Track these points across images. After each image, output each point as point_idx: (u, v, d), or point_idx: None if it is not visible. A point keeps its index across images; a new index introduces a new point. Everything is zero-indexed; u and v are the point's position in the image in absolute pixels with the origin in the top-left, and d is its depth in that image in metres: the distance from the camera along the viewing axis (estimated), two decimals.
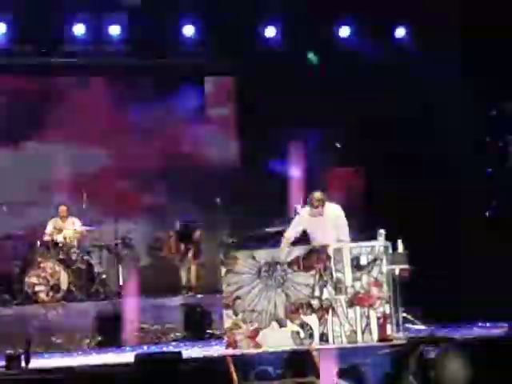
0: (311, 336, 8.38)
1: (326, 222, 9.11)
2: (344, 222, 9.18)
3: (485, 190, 12.17)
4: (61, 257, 11.45)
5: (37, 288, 11.08)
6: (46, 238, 11.73)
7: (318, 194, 9.11)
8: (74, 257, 11.65)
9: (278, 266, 8.52)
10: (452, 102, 12.08)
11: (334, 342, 8.33)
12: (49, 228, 11.92)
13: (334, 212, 9.17)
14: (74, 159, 12.98)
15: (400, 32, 12.83)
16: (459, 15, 11.90)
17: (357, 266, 8.39)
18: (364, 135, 12.34)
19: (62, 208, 12.03)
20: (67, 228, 11.89)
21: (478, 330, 9.69)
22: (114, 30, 12.35)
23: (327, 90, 12.40)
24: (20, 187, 12.61)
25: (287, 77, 12.46)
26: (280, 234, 9.72)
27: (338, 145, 11.42)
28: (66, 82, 13.34)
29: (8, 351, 8.77)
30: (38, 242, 11.56)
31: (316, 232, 9.12)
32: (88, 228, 11.96)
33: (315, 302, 8.43)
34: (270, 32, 12.71)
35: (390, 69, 12.26)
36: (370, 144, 12.23)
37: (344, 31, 12.74)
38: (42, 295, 11.06)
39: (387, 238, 8.69)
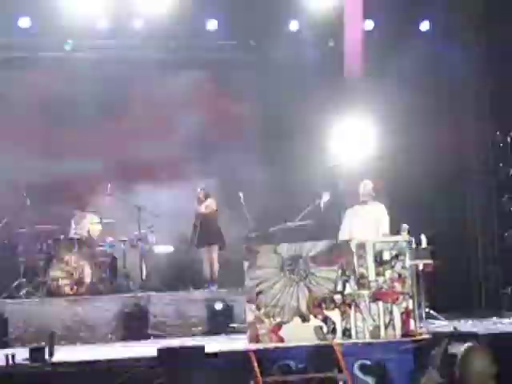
0: (334, 331, 8.36)
1: (368, 218, 9.21)
2: (386, 223, 9.28)
3: None
4: (84, 251, 11.51)
5: (61, 282, 11.14)
6: (71, 232, 11.82)
7: (368, 183, 9.32)
8: (97, 251, 11.71)
9: (301, 261, 8.51)
10: None
11: (356, 337, 8.31)
12: (73, 222, 12.00)
13: (378, 211, 9.31)
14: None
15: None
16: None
17: (380, 261, 8.36)
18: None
19: (91, 206, 12.13)
20: (90, 223, 11.96)
21: (503, 326, 9.63)
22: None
23: None
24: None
25: None
26: (302, 228, 9.74)
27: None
28: None
29: (32, 344, 8.84)
30: (62, 236, 11.63)
31: (356, 224, 9.20)
32: (109, 221, 12.02)
33: (338, 297, 8.41)
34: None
35: None
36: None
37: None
38: (66, 289, 11.12)
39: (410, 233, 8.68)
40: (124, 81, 13.14)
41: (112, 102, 13.13)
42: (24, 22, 12.08)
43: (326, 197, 9.82)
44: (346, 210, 9.79)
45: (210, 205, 12.16)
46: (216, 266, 12.06)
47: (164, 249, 12.58)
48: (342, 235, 9.48)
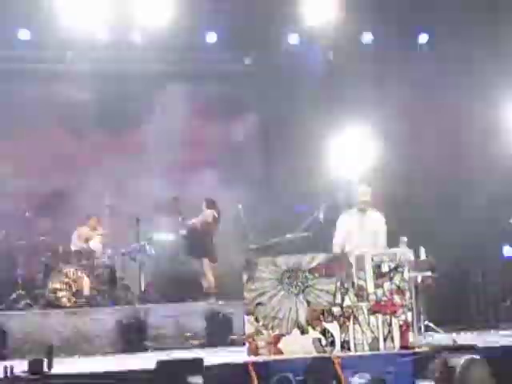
0: (333, 343, 8.35)
1: (367, 228, 9.20)
2: (384, 235, 9.28)
3: None
4: (83, 262, 11.50)
5: (59, 293, 11.14)
6: (71, 245, 11.83)
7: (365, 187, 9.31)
8: (96, 262, 11.71)
9: (300, 273, 8.51)
10: None
11: (355, 349, 8.30)
12: (74, 235, 12.01)
13: (376, 223, 9.30)
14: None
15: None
16: None
17: (379, 273, 8.36)
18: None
19: (93, 219, 12.13)
20: (94, 238, 11.98)
21: (501, 338, 9.63)
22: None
23: None
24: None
25: None
26: (301, 240, 9.75)
27: None
28: None
29: (31, 356, 8.82)
30: (61, 248, 11.63)
31: (354, 233, 9.18)
32: (107, 233, 12.04)
33: (337, 310, 8.40)
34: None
35: None
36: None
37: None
38: (65, 300, 11.11)
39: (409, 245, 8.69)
40: (125, 93, 13.20)
41: (113, 114, 13.21)
42: (24, 34, 12.11)
43: (324, 209, 9.83)
44: (342, 215, 9.74)
45: (206, 218, 12.15)
46: (211, 279, 12.06)
47: (164, 236, 12.62)
48: (337, 239, 9.47)
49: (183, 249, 12.33)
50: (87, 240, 11.94)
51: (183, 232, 12.26)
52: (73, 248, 11.80)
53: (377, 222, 9.45)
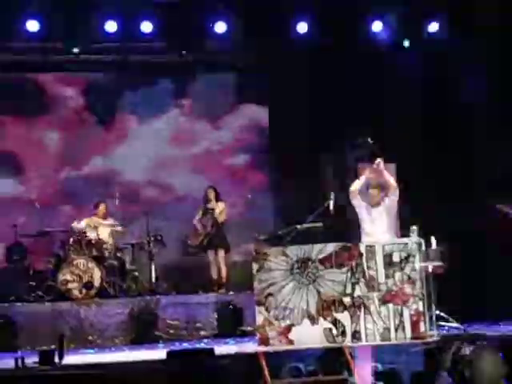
0: (343, 333, 8.32)
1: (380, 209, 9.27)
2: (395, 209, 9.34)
3: None
4: (94, 254, 11.51)
5: (70, 285, 11.15)
6: (80, 234, 11.78)
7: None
8: (106, 254, 11.72)
9: (310, 263, 8.48)
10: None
11: (366, 339, 8.27)
12: (83, 225, 11.96)
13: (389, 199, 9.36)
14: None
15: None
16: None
17: (389, 263, 8.32)
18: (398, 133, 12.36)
19: (102, 206, 12.10)
20: (105, 226, 11.95)
21: None
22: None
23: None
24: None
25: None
26: (310, 230, 9.72)
27: (370, 140, 11.36)
28: None
29: (42, 347, 8.85)
30: (71, 239, 11.62)
31: (369, 216, 9.22)
32: (120, 227, 12.02)
33: (347, 300, 8.37)
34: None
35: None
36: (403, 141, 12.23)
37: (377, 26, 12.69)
38: (75, 292, 11.13)
39: (420, 234, 8.64)
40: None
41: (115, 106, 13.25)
42: (32, 26, 12.08)
43: (334, 198, 9.79)
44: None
45: (222, 210, 12.04)
46: (224, 270, 12.02)
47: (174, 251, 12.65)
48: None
49: (199, 239, 12.19)
50: (96, 228, 11.87)
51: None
52: (81, 238, 11.68)
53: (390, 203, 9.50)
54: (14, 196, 12.81)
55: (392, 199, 9.48)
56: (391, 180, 9.58)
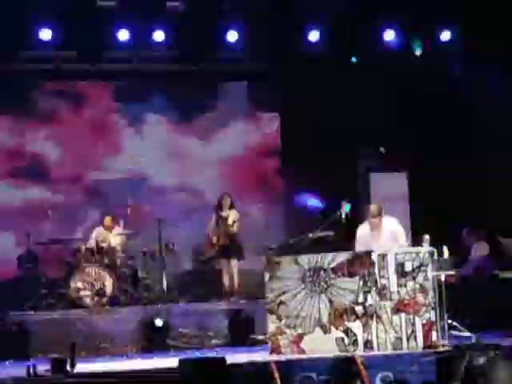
0: (355, 342, 8.31)
1: (383, 234, 9.12)
2: (402, 234, 9.18)
3: None
4: (105, 262, 11.52)
5: (82, 293, 11.16)
6: (91, 243, 11.82)
7: (374, 207, 9.21)
8: (118, 262, 11.73)
9: (322, 272, 8.48)
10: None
11: (378, 348, 8.25)
12: (94, 234, 12.02)
13: (391, 225, 9.19)
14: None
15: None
16: None
17: (402, 272, 8.30)
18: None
19: (107, 219, 12.13)
20: (111, 238, 11.98)
21: None
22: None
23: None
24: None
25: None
26: (322, 239, 9.67)
27: (383, 149, 11.36)
28: None
29: (53, 355, 8.85)
30: (83, 247, 11.65)
31: (374, 246, 9.04)
32: (130, 232, 12.03)
33: (359, 309, 8.36)
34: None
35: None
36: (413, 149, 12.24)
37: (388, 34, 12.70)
38: (87, 300, 11.14)
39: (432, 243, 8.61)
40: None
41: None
42: (45, 35, 12.14)
43: (346, 207, 9.76)
44: (358, 228, 9.60)
45: (236, 219, 11.96)
46: (236, 279, 11.98)
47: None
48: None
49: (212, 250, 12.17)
50: (104, 241, 11.89)
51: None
52: (93, 246, 11.73)
53: (392, 224, 9.29)
54: (42, 199, 12.89)
55: (401, 244, 9.24)
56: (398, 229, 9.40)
